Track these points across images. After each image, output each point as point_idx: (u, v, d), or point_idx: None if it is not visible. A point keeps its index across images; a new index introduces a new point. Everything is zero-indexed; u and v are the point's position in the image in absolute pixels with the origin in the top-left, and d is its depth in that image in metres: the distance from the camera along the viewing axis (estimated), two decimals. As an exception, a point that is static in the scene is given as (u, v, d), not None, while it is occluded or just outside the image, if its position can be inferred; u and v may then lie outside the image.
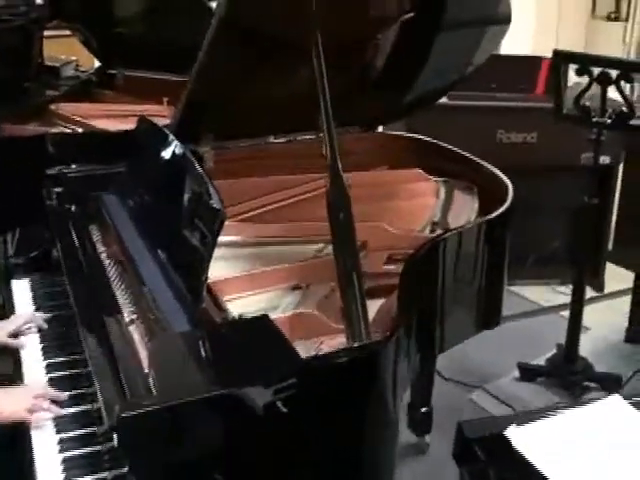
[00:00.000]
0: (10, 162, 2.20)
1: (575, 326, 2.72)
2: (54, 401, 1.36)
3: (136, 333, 1.36)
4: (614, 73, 2.37)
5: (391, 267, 1.71)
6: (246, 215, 1.90)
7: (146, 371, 1.18)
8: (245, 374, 1.12)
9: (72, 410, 1.37)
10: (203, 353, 1.18)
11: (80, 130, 2.58)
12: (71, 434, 1.31)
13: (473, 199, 2.03)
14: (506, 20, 2.04)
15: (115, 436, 1.05)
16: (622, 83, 2.38)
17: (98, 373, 1.21)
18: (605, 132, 2.53)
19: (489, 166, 2.07)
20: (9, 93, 2.69)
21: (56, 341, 1.58)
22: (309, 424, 1.18)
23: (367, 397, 1.26)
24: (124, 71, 3.00)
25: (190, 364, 1.16)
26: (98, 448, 1.26)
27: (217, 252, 1.68)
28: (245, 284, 1.56)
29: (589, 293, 2.83)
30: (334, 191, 1.35)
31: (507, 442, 0.96)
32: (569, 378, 2.72)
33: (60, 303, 1.72)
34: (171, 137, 1.57)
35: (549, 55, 3.39)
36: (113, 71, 3.03)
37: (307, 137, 2.13)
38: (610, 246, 3.57)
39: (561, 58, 2.49)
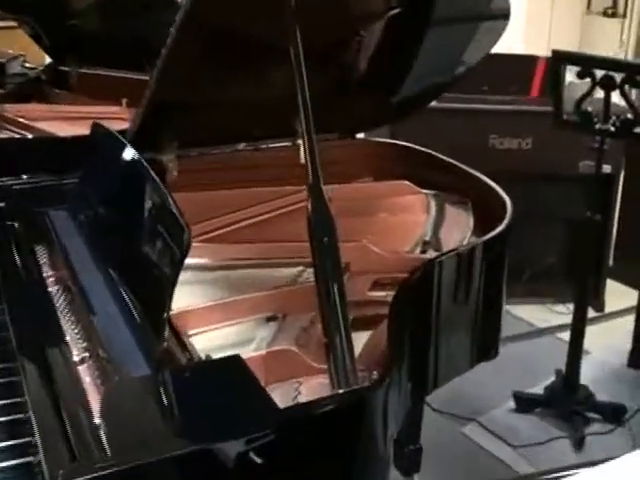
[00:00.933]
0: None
1: (576, 350, 2.68)
2: None
3: (87, 374, 1.26)
4: (618, 76, 2.33)
5: (378, 294, 1.64)
6: (214, 234, 1.82)
7: (97, 422, 1.09)
8: (214, 428, 1.04)
9: (12, 463, 1.26)
10: (165, 402, 1.09)
11: (27, 135, 2.47)
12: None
13: (467, 215, 1.98)
14: (503, 15, 1.99)
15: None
16: (626, 87, 2.34)
17: (40, 424, 1.11)
18: (608, 140, 2.50)
19: (485, 178, 2.03)
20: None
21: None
22: (287, 475, 1.10)
23: (353, 445, 1.18)
24: (78, 68, 2.92)
25: (150, 415, 1.07)
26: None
27: (181, 277, 1.65)
28: (212, 315, 1.48)
29: (589, 313, 2.78)
30: (317, 211, 1.28)
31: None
32: (569, 408, 2.67)
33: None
34: (128, 146, 1.48)
35: (541, 53, 3.41)
36: (66, 68, 2.95)
37: (283, 144, 2.07)
38: (610, 261, 3.55)
39: (560, 59, 2.44)
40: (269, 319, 1.52)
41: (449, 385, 2.63)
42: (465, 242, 1.81)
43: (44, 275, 1.57)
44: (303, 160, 2.06)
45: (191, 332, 1.43)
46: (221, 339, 1.44)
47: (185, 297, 1.55)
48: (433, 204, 2.06)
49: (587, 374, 2.80)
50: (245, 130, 1.95)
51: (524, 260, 3.27)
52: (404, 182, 2.11)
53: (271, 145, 2.07)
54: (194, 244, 1.73)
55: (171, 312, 1.44)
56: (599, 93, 2.43)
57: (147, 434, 1.03)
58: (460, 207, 2.03)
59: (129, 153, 1.48)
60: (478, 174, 2.06)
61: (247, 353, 1.34)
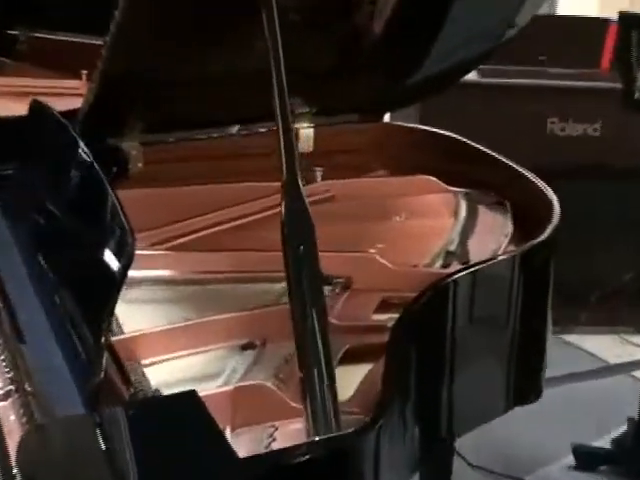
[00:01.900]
0: None
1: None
2: None
3: (12, 411, 1.30)
4: None
5: (384, 317, 1.68)
6: (184, 239, 1.88)
7: (14, 471, 1.12)
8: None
9: None
10: (97, 449, 1.11)
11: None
12: None
13: (505, 219, 2.02)
14: None
15: None
16: None
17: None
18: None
19: (528, 173, 2.07)
20: None
21: None
22: None
23: None
24: (28, 32, 2.98)
25: (78, 466, 1.10)
26: None
27: (138, 293, 1.70)
28: (174, 341, 1.52)
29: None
30: (292, 214, 1.31)
31: None
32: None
33: None
34: (69, 128, 1.53)
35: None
36: (13, 32, 3.01)
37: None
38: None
39: (631, 23, 2.46)
40: (245, 347, 1.56)
41: (489, 435, 2.67)
42: (500, 253, 1.84)
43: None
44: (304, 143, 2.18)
45: (146, 361, 1.47)
46: (184, 371, 1.48)
47: (142, 318, 1.61)
48: (463, 205, 2.10)
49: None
50: (225, 111, 1.99)
51: (591, 278, 3.29)
52: (427, 177, 2.17)
53: (259, 130, 2.10)
54: (157, 252, 1.83)
55: (122, 336, 1.51)
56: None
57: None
58: (496, 209, 2.07)
59: (69, 138, 1.52)
60: (520, 168, 2.11)
61: (212, 389, 1.37)
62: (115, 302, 1.22)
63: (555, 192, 1.97)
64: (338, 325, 1.63)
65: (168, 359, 1.50)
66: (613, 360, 3.38)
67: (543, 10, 4.01)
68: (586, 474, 2.76)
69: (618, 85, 2.87)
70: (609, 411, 2.95)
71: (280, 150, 1.37)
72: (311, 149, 2.20)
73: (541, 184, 2.02)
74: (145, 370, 1.44)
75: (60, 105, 1.89)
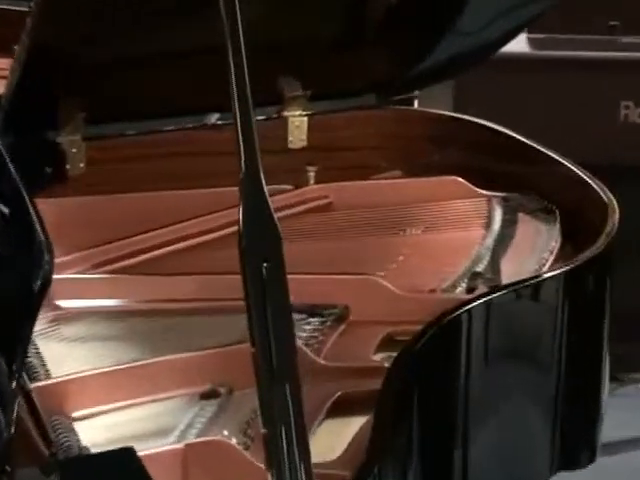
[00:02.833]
0: None
1: None
2: None
3: None
4: None
5: (389, 355, 1.72)
6: (134, 260, 1.94)
7: None
8: None
9: None
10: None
11: None
12: None
13: (551, 231, 2.06)
14: None
15: None
16: None
17: None
18: None
19: (584, 173, 2.10)
20: None
21: None
22: None
23: None
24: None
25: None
26: None
27: (71, 329, 1.76)
28: (114, 388, 1.57)
29: None
30: (251, 218, 1.34)
31: None
32: None
33: None
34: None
35: None
36: None
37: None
38: None
39: None
40: (205, 395, 1.60)
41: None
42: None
43: None
44: (295, 138, 2.22)
45: (78, 414, 1.51)
46: (126, 426, 1.52)
47: (81, 359, 1.66)
48: (498, 213, 2.14)
49: None
50: (190, 96, 2.04)
51: None
52: (453, 178, 2.21)
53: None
54: (99, 277, 1.87)
55: (49, 381, 1.55)
56: None
57: None
58: (541, 218, 2.12)
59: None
60: (575, 166, 2.14)
61: (163, 444, 1.42)
62: (29, 336, 1.26)
63: (628, 196, 2.00)
64: (329, 367, 1.68)
65: (107, 411, 1.54)
66: None
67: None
68: None
69: None
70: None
71: (237, 137, 1.40)
72: (304, 144, 2.26)
73: (598, 185, 2.05)
74: (77, 424, 1.49)
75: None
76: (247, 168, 1.40)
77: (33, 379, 1.54)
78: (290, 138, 2.25)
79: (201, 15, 1.83)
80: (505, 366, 1.71)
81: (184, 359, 1.64)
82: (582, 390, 1.87)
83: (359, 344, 1.76)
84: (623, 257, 2.02)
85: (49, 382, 1.55)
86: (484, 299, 1.67)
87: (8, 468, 1.25)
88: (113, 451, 1.29)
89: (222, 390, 1.61)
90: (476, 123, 2.34)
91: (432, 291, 1.89)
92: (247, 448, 1.45)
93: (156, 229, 2.00)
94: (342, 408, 1.61)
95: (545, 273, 1.85)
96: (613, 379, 3.32)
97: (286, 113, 2.24)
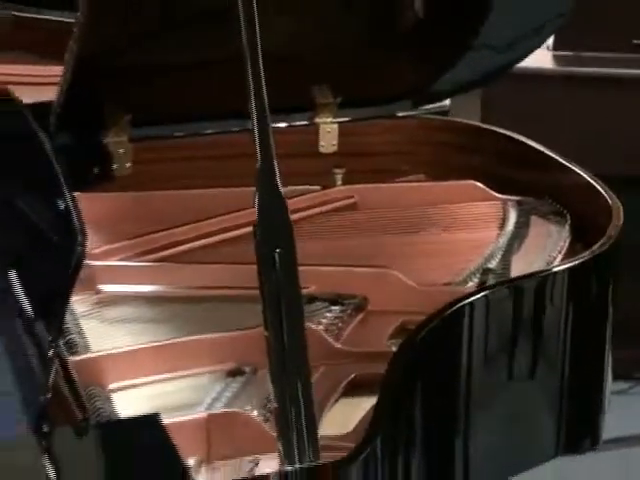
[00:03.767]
0: None
1: None
2: None
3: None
4: None
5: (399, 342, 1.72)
6: (171, 250, 1.99)
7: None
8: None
9: None
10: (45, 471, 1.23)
11: None
12: None
13: (561, 231, 2.09)
14: None
15: None
16: None
17: None
18: None
19: (589, 176, 2.13)
20: None
21: None
22: None
23: None
24: (13, 10, 3.11)
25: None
26: None
27: (116, 312, 1.83)
28: (147, 363, 1.62)
29: None
30: (265, 208, 1.38)
31: None
32: None
33: None
34: (30, 122, 1.66)
35: None
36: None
37: (290, 124, 2.23)
38: None
39: None
40: (232, 373, 1.66)
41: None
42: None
43: None
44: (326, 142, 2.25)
45: (114, 385, 1.58)
46: (156, 398, 1.58)
47: (122, 338, 1.73)
48: (513, 216, 2.17)
49: None
50: (229, 101, 2.07)
51: None
52: (473, 183, 2.24)
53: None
54: (143, 264, 1.93)
55: (88, 355, 1.62)
56: None
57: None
58: (552, 221, 2.14)
59: (27, 128, 1.65)
60: (586, 174, 2.15)
61: (189, 414, 1.48)
62: (64, 309, 1.33)
63: None
64: (346, 351, 1.73)
65: (141, 384, 1.61)
66: None
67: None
68: None
69: None
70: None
71: (254, 134, 1.44)
72: (335, 149, 2.30)
73: (607, 192, 2.06)
74: (113, 395, 1.55)
75: (44, 96, 2.02)
76: (262, 163, 1.41)
77: (74, 353, 1.61)
78: (322, 143, 2.29)
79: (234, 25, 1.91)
80: (507, 356, 1.72)
81: (213, 339, 1.69)
82: (583, 377, 1.87)
83: (374, 331, 1.80)
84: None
85: (89, 356, 1.61)
86: (485, 292, 1.68)
87: (46, 428, 1.33)
88: (139, 417, 1.36)
89: (247, 369, 1.66)
90: (497, 132, 2.35)
91: (446, 285, 1.92)
92: (267, 420, 1.50)
93: (192, 223, 2.04)
94: (356, 388, 1.65)
95: (547, 269, 1.87)
96: (630, 378, 3.37)
97: (318, 120, 2.28)
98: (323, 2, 2.02)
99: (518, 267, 1.99)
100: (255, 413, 1.53)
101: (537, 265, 1.96)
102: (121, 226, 1.97)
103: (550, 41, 3.05)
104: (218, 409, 1.55)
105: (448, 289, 1.91)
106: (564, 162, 2.21)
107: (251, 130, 1.44)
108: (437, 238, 2.14)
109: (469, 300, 1.64)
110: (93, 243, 1.77)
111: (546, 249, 2.04)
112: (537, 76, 2.74)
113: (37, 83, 2.67)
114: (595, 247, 1.86)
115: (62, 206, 1.41)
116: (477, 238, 2.13)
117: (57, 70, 2.75)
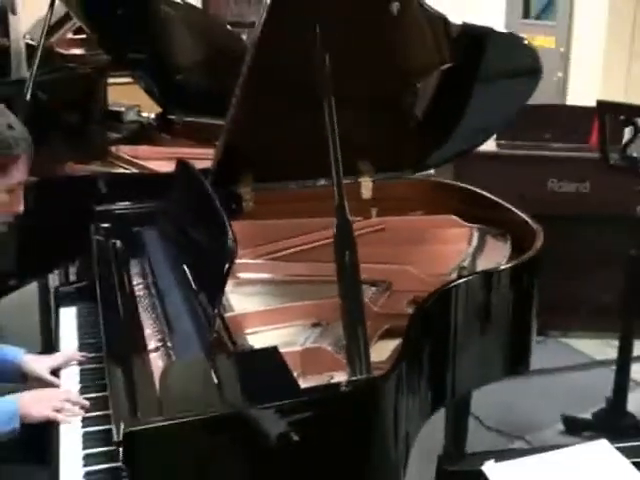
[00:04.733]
0: (61, 198, 2.37)
1: (622, 380, 2.70)
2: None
3: (159, 360, 1.46)
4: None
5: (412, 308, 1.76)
6: (276, 254, 2.01)
7: (158, 395, 1.28)
8: (245, 399, 1.21)
9: (99, 428, 1.48)
10: (210, 379, 1.26)
11: (129, 171, 2.76)
12: (96, 450, 1.41)
13: (505, 246, 2.07)
14: (536, 70, 2.10)
15: (121, 451, 1.15)
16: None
17: (112, 395, 1.31)
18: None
19: (520, 212, 2.13)
20: (75, 136, 2.91)
21: (94, 365, 1.71)
22: (306, 457, 1.23)
23: (364, 430, 1.30)
24: (183, 117, 3.18)
25: (197, 388, 1.25)
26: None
27: (247, 288, 1.85)
28: (268, 318, 1.65)
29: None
30: (340, 230, 1.43)
31: (485, 477, 1.01)
32: (615, 433, 2.67)
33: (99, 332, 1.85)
34: (201, 178, 1.70)
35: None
36: (172, 117, 3.22)
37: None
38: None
39: (604, 108, 2.52)
40: (314, 325, 1.68)
41: (502, 406, 2.74)
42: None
43: (134, 283, 1.80)
44: (363, 193, 2.27)
45: (249, 330, 1.61)
46: (273, 338, 1.60)
47: (250, 304, 1.76)
48: (476, 236, 2.17)
49: (636, 403, 2.80)
50: (309, 168, 2.07)
51: (583, 297, 3.28)
52: (451, 217, 2.24)
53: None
54: (260, 262, 1.96)
55: (232, 314, 1.65)
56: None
57: (192, 402, 1.21)
58: (499, 239, 2.13)
59: (201, 183, 1.69)
60: (514, 209, 2.16)
61: (290, 348, 1.51)
62: (224, 284, 1.37)
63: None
64: (381, 312, 1.75)
65: (262, 331, 1.64)
66: (598, 357, 3.36)
67: (552, 100, 4.07)
68: (572, 437, 2.76)
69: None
70: (593, 393, 2.93)
71: (334, 185, 1.48)
72: (370, 195, 2.29)
73: (529, 219, 2.06)
74: (248, 337, 1.59)
75: (203, 164, 2.08)
76: (338, 200, 1.47)
77: (225, 312, 1.64)
78: (363, 192, 2.28)
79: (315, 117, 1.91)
80: (477, 316, 1.74)
81: (301, 305, 1.72)
82: (520, 331, 1.89)
83: (397, 302, 1.81)
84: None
85: (232, 314, 1.66)
86: (463, 280, 1.72)
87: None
88: (267, 347, 1.40)
89: (323, 322, 1.68)
90: (466, 187, 2.36)
91: (439, 275, 1.92)
92: (338, 352, 1.52)
93: (286, 239, 2.07)
94: (387, 334, 1.68)
95: (498, 267, 1.87)
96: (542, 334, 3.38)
97: (360, 179, 2.28)
98: (363, 109, 1.98)
99: (481, 265, 1.99)
100: (329, 348, 1.55)
101: (492, 264, 1.93)
102: (248, 240, 1.98)
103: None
104: (308, 344, 1.57)
105: (440, 278, 1.89)
106: (506, 205, 2.21)
107: (332, 183, 1.49)
108: (432, 248, 2.15)
109: (455, 284, 1.68)
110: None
111: (497, 255, 2.02)
112: (486, 155, 2.69)
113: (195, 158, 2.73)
114: (527, 255, 1.87)
115: (227, 228, 1.44)
116: (455, 249, 2.12)
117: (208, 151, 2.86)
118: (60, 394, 1.58)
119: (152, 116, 3.32)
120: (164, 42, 2.98)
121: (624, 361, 2.69)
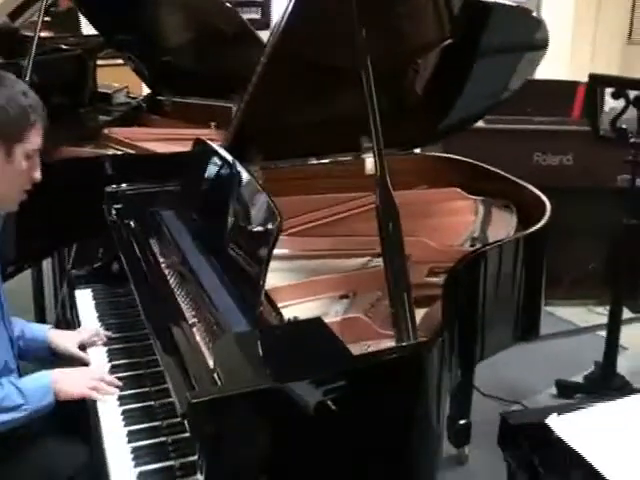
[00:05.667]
0: (71, 180, 2.35)
1: (612, 344, 2.79)
2: None
3: (197, 335, 1.47)
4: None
5: (432, 279, 1.81)
6: (295, 230, 2.01)
7: (211, 367, 1.29)
8: (304, 369, 1.22)
9: (137, 405, 1.49)
10: (263, 351, 1.27)
11: (130, 152, 2.73)
12: (138, 427, 1.43)
13: (511, 216, 2.12)
14: (543, 45, 2.13)
15: (186, 422, 1.17)
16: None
17: (169, 370, 1.32)
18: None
19: (529, 185, 2.16)
20: (65, 118, 2.87)
21: (120, 345, 1.71)
22: (357, 420, 1.26)
23: (413, 397, 1.34)
24: (172, 98, 3.16)
25: (251, 360, 1.26)
26: (163, 439, 1.38)
27: (272, 264, 1.84)
28: (297, 292, 1.67)
29: (626, 314, 2.89)
30: (383, 202, 1.45)
31: (548, 430, 1.05)
32: (607, 394, 2.76)
33: (121, 312, 1.85)
34: (227, 155, 1.70)
35: (585, 80, 3.50)
36: (162, 98, 3.20)
37: (347, 158, 2.23)
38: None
39: (597, 81, 2.58)
40: (342, 297, 1.71)
41: (498, 374, 2.81)
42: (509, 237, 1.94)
43: (159, 261, 1.79)
44: (368, 169, 2.27)
45: (279, 304, 1.61)
46: (304, 311, 1.61)
47: (274, 279, 1.72)
48: (481, 208, 2.21)
49: (624, 366, 2.90)
50: (317, 146, 2.13)
51: (567, 266, 3.35)
52: (456, 189, 2.27)
53: (338, 159, 2.22)
54: (282, 237, 1.95)
55: (266, 288, 1.65)
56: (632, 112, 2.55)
57: (249, 373, 1.23)
58: (505, 210, 2.17)
59: (228, 160, 1.69)
60: (523, 182, 2.19)
61: (325, 320, 1.50)
62: (269, 262, 1.37)
63: None
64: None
65: (293, 304, 1.65)
66: (582, 324, 3.46)
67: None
68: (565, 400, 2.84)
69: (585, 128, 2.97)
70: (581, 358, 3.04)
71: (375, 162, 1.50)
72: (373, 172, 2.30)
73: (538, 192, 2.10)
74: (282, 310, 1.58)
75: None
76: (380, 171, 1.49)
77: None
78: (367, 168, 2.25)
79: (330, 103, 1.93)
80: (497, 281, 1.78)
81: (330, 278, 1.75)
82: (532, 298, 1.93)
83: (417, 272, 1.80)
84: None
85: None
86: (490, 247, 1.76)
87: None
88: (312, 319, 1.42)
89: (350, 294, 1.71)
90: (466, 161, 2.39)
91: (451, 246, 1.97)
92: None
93: (303, 214, 2.07)
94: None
95: (515, 235, 1.92)
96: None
97: (363, 156, 2.24)
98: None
99: (492, 235, 2.02)
100: (363, 317, 1.57)
101: (502, 234, 1.98)
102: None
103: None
104: (339, 316, 1.59)
105: (454, 248, 1.95)
106: (510, 177, 2.23)
107: (374, 157, 1.52)
108: (440, 220, 2.17)
109: (481, 251, 1.72)
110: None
111: (505, 225, 2.06)
112: (473, 130, 2.69)
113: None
114: (541, 223, 1.90)
115: (267, 198, 1.46)
116: (463, 220, 2.16)
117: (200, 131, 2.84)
118: (95, 373, 1.59)
119: (141, 98, 3.28)
120: (153, 21, 2.94)
121: (614, 325, 2.77)
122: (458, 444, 2.41)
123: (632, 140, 2.57)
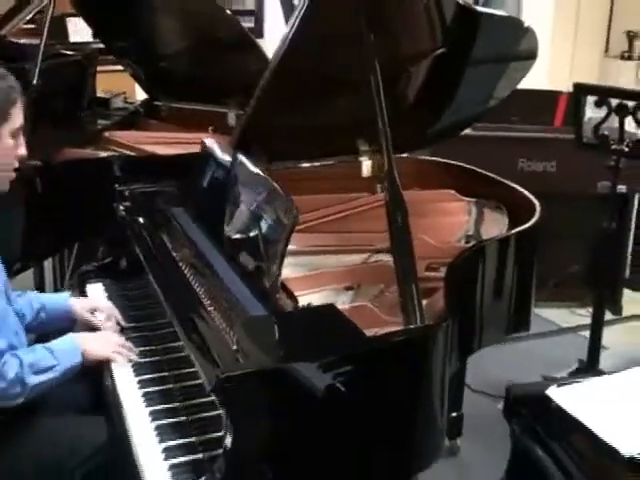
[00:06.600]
0: (75, 181, 2.43)
1: (595, 343, 2.90)
2: None
3: (216, 319, 1.55)
4: (631, 104, 2.57)
5: (430, 274, 1.89)
6: (303, 225, 2.06)
7: (234, 348, 1.38)
8: (324, 349, 1.31)
9: (156, 388, 1.57)
10: (283, 332, 1.37)
11: (130, 154, 2.80)
12: (158, 407, 1.52)
13: (503, 217, 2.20)
14: (532, 56, 2.23)
15: (215, 396, 1.25)
16: (639, 114, 2.58)
17: (195, 350, 1.41)
18: (623, 160, 2.72)
19: (519, 188, 2.25)
20: (66, 122, 2.94)
21: (137, 333, 1.79)
22: (369, 399, 1.34)
23: (420, 380, 1.42)
24: (169, 103, 3.22)
25: (272, 341, 1.36)
26: (183, 419, 1.47)
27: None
28: (304, 284, 1.75)
29: (607, 316, 3.00)
30: (392, 196, 1.54)
31: (549, 399, 1.15)
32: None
33: (133, 304, 1.93)
34: (238, 155, 1.80)
35: (564, 90, 3.63)
36: (159, 103, 3.27)
37: (346, 161, 2.30)
38: (627, 273, 3.75)
39: (582, 90, 2.70)
40: (347, 288, 1.79)
41: (485, 371, 2.90)
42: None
43: (173, 254, 1.87)
44: (365, 171, 2.35)
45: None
46: (315, 300, 1.69)
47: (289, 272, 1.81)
48: (474, 209, 2.29)
49: (607, 364, 3.02)
50: (318, 148, 2.17)
51: (551, 269, 3.43)
52: (449, 191, 2.36)
53: (339, 161, 2.24)
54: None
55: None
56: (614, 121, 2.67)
57: (272, 352, 1.32)
58: (496, 211, 2.26)
59: (238, 159, 1.79)
60: (513, 184, 2.28)
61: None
62: (285, 253, 1.46)
63: None
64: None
65: (301, 295, 1.70)
66: (565, 325, 3.58)
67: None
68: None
69: (566, 136, 3.09)
70: (565, 356, 3.15)
71: (384, 159, 1.59)
72: (370, 174, 2.36)
73: (528, 194, 2.18)
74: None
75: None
76: (389, 167, 1.57)
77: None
78: (363, 170, 2.34)
79: (332, 109, 1.98)
80: (490, 274, 1.84)
81: (336, 271, 1.83)
82: (525, 292, 2.01)
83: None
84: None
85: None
86: (488, 241, 1.85)
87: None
88: (325, 305, 1.51)
89: (355, 286, 1.78)
90: (460, 165, 2.47)
91: (447, 243, 2.06)
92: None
93: (308, 213, 2.13)
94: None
95: (509, 232, 2.00)
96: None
97: (360, 159, 2.26)
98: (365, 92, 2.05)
99: (485, 234, 2.11)
100: (370, 305, 1.65)
101: (496, 232, 2.04)
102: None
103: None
104: (347, 304, 1.67)
105: (450, 245, 2.04)
106: (501, 179, 2.32)
107: (383, 154, 1.61)
108: (436, 220, 2.23)
109: (479, 246, 1.81)
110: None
111: (497, 224, 2.14)
112: (460, 136, 2.75)
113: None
114: (534, 221, 1.99)
115: (281, 191, 1.54)
116: (457, 220, 2.24)
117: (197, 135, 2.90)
118: (117, 338, 1.69)
119: (138, 103, 3.35)
120: (151, 28, 3.01)
121: (598, 326, 2.89)
122: (451, 436, 2.50)
123: (613, 147, 2.70)
